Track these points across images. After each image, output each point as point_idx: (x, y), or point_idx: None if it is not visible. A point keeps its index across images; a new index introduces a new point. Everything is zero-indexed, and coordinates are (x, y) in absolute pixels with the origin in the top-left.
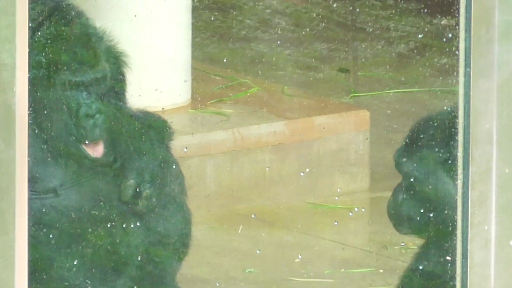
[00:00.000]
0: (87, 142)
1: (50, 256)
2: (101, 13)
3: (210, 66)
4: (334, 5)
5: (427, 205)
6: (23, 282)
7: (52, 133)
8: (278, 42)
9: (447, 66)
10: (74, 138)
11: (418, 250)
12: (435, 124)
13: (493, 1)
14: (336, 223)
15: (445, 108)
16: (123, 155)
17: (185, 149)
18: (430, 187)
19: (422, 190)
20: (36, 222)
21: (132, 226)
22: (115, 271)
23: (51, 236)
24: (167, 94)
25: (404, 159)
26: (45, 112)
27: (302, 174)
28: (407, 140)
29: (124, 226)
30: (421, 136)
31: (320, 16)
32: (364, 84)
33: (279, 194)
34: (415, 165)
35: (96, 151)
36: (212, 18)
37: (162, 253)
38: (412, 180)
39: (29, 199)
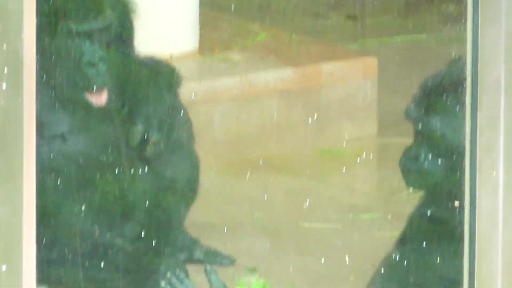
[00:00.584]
0: (90, 90)
1: (58, 202)
2: None
3: (218, 13)
4: None
5: (437, 153)
6: (31, 228)
7: (60, 80)
8: None
9: (455, 13)
10: (82, 84)
11: (426, 196)
12: (445, 75)
13: None
14: (344, 169)
15: (453, 55)
16: (131, 102)
17: (192, 96)
18: (441, 133)
19: (433, 138)
20: (44, 167)
21: (139, 172)
22: (123, 217)
23: (59, 182)
24: (175, 40)
25: (415, 108)
26: (52, 59)
27: (310, 120)
28: (419, 91)
29: (131, 172)
30: (432, 86)
31: None
32: (372, 30)
33: (287, 140)
34: (425, 113)
35: (99, 99)
36: None
37: (170, 199)
38: (422, 128)
39: (37, 145)
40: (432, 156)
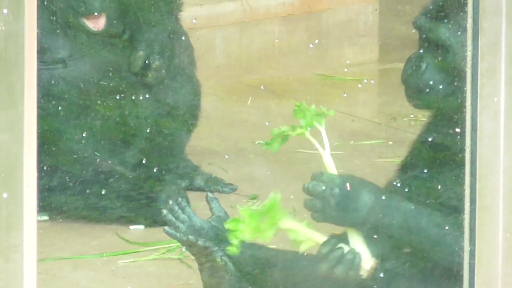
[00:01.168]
0: (87, 15)
1: (59, 128)
2: None
3: None
4: None
5: (443, 73)
6: (32, 154)
7: (61, 5)
8: None
9: None
10: (83, 9)
11: (427, 121)
12: None
13: None
14: (345, 95)
15: None
16: (132, 27)
17: (194, 20)
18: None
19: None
20: (45, 94)
21: (141, 97)
22: (124, 143)
23: (60, 108)
24: None
25: (426, 20)
26: None
27: (311, 45)
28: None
29: (133, 97)
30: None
31: None
32: None
33: (289, 65)
34: (435, 26)
35: (97, 24)
36: None
37: (171, 125)
38: (431, 41)
39: (38, 70)
40: (435, 69)
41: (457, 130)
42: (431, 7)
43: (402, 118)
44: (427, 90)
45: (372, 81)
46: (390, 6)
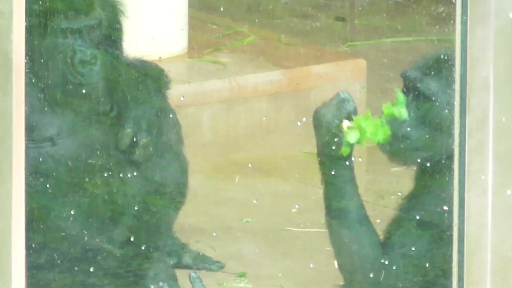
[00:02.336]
0: (84, 90)
1: (47, 205)
2: None
3: (207, 14)
4: None
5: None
6: (20, 232)
7: (49, 82)
8: None
9: (443, 14)
10: (70, 86)
11: (414, 199)
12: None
13: None
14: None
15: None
16: (120, 104)
17: (182, 98)
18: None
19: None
20: (33, 171)
21: (129, 175)
22: (112, 221)
23: (48, 186)
24: (163, 42)
25: (415, 72)
26: (41, 60)
27: (299, 123)
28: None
29: (121, 175)
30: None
31: None
32: (361, 32)
33: (276, 143)
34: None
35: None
36: None
37: (159, 203)
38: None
39: (26, 148)
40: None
41: (445, 207)
42: (422, 63)
43: (389, 196)
44: (405, 139)
45: (360, 159)
46: (377, 84)
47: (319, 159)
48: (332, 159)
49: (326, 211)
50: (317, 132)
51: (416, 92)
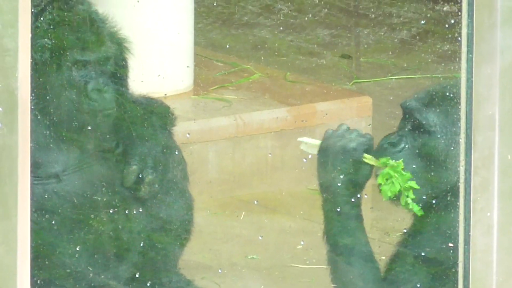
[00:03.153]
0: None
1: (53, 242)
2: None
3: (212, 52)
4: None
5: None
6: (25, 267)
7: (55, 119)
8: (281, 28)
9: (449, 52)
10: (76, 123)
11: (420, 236)
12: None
13: None
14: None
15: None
16: (125, 141)
17: (187, 135)
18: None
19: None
20: (38, 207)
21: (134, 212)
22: (118, 257)
23: (53, 222)
24: (169, 80)
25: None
26: (47, 97)
27: (304, 160)
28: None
29: (126, 212)
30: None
31: (322, 2)
32: (367, 70)
33: (281, 180)
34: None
35: None
36: (215, 4)
37: (164, 239)
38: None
39: (31, 184)
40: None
41: (450, 245)
42: (423, 94)
43: (395, 233)
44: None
45: (365, 196)
46: (383, 121)
47: (324, 195)
48: (340, 196)
49: (330, 247)
50: (333, 164)
51: (415, 123)
